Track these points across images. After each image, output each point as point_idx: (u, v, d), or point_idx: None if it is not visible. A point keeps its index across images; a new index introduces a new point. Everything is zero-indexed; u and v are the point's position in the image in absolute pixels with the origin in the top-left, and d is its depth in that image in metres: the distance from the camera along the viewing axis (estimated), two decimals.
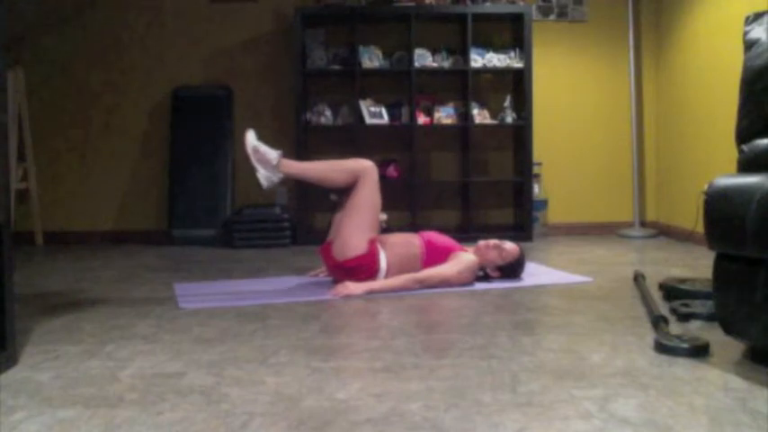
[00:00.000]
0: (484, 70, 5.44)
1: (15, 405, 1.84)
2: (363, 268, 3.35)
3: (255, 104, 5.64)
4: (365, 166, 3.43)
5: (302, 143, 5.28)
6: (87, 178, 5.61)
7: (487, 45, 5.49)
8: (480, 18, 5.38)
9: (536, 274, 3.80)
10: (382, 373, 2.07)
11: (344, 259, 3.35)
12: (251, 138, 3.41)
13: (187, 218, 5.31)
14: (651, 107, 5.79)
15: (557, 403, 1.80)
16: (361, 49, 5.33)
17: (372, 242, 3.39)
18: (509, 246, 3.57)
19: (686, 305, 2.79)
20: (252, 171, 5.54)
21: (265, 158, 3.37)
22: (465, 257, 3.46)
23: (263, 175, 3.39)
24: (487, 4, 5.40)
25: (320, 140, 5.58)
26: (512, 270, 3.56)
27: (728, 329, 2.15)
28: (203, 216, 5.34)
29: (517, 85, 5.53)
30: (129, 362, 2.23)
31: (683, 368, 2.08)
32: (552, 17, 5.72)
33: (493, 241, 3.57)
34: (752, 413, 1.72)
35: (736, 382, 1.96)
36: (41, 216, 5.47)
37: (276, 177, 3.40)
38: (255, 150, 3.38)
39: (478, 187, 5.59)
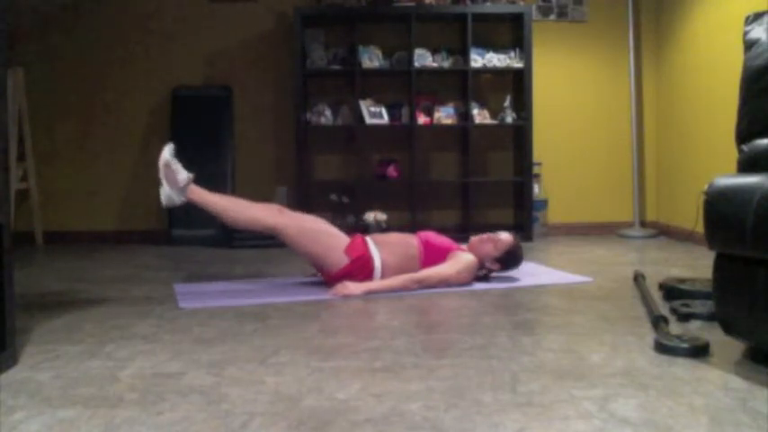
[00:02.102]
0: (484, 70, 5.44)
1: (15, 405, 1.84)
2: (357, 271, 3.35)
3: (255, 104, 5.64)
4: (278, 223, 3.37)
5: (302, 143, 5.29)
6: (87, 178, 5.61)
7: (487, 45, 5.49)
8: (480, 18, 5.38)
9: (536, 274, 3.80)
10: (382, 373, 2.07)
11: (334, 273, 3.36)
12: (167, 152, 3.36)
13: (187, 218, 5.30)
14: (651, 107, 5.79)
15: (557, 403, 1.80)
16: (361, 49, 5.32)
17: (353, 247, 3.37)
18: (503, 235, 3.55)
19: (686, 305, 2.79)
20: (251, 171, 5.59)
21: (174, 178, 3.33)
22: (464, 257, 3.46)
23: (166, 194, 3.35)
24: (487, 4, 5.39)
25: (320, 140, 5.58)
26: (510, 258, 3.53)
27: (728, 329, 2.15)
28: (203, 216, 5.30)
29: (517, 85, 5.53)
30: (129, 362, 2.22)
31: (683, 368, 2.08)
32: (552, 17, 5.72)
33: (485, 235, 3.56)
34: (752, 413, 1.72)
35: (736, 382, 1.96)
36: (41, 216, 5.47)
37: (178, 200, 3.37)
38: (167, 166, 3.34)
39: (478, 187, 5.59)
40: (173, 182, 3.35)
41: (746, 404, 1.78)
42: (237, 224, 3.49)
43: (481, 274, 3.54)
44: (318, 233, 3.39)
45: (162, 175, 3.35)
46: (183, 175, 3.35)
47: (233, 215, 3.44)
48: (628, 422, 1.67)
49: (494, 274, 3.61)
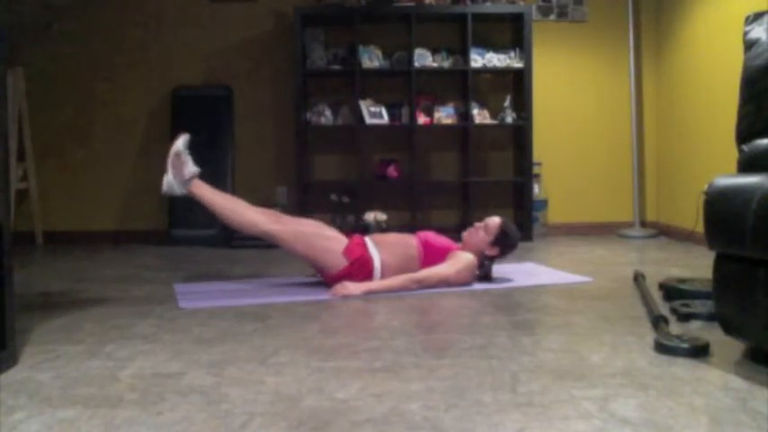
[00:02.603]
0: (484, 70, 5.44)
1: (15, 405, 1.84)
2: (357, 272, 3.35)
3: (255, 104, 5.64)
4: (274, 230, 3.39)
5: (302, 143, 5.29)
6: (87, 178, 5.61)
7: (487, 45, 5.49)
8: (480, 18, 5.38)
9: (536, 274, 3.80)
10: (382, 373, 2.07)
11: (334, 274, 3.36)
12: (180, 142, 3.44)
13: (187, 218, 5.30)
14: (651, 107, 5.79)
15: (557, 403, 1.80)
16: (361, 49, 5.32)
17: (351, 248, 3.37)
18: (491, 219, 3.54)
19: (686, 305, 2.79)
20: (251, 171, 5.59)
21: (181, 169, 3.41)
22: (463, 257, 3.45)
23: (169, 182, 3.42)
24: (487, 4, 5.39)
25: (320, 140, 5.58)
26: (505, 238, 3.51)
27: (728, 329, 2.15)
28: (203, 216, 5.29)
29: (517, 85, 5.53)
30: (129, 362, 2.22)
31: (683, 368, 2.08)
32: (552, 17, 5.72)
33: (473, 226, 3.56)
34: (752, 413, 1.72)
35: (736, 382, 1.96)
36: (41, 216, 5.47)
37: (179, 191, 3.43)
38: (177, 155, 3.41)
39: (478, 187, 5.59)
40: (178, 172, 3.41)
41: (746, 404, 1.78)
42: (234, 225, 3.50)
43: (482, 273, 3.54)
44: (315, 237, 3.39)
45: (170, 162, 3.41)
46: (190, 168, 3.42)
47: (230, 215, 3.46)
48: (628, 422, 1.67)
49: (494, 274, 3.60)
